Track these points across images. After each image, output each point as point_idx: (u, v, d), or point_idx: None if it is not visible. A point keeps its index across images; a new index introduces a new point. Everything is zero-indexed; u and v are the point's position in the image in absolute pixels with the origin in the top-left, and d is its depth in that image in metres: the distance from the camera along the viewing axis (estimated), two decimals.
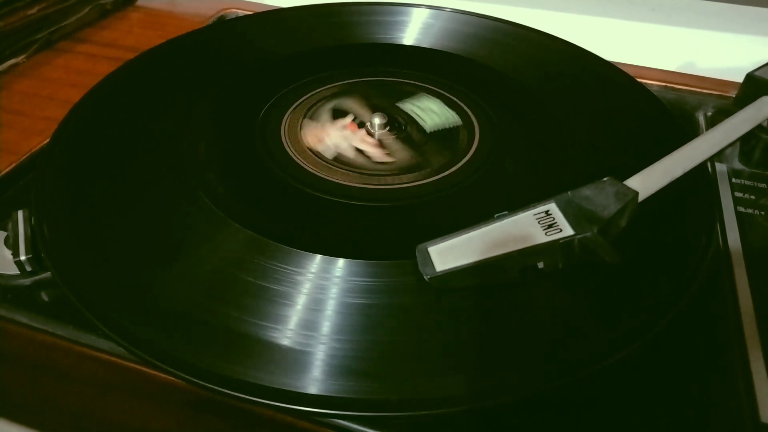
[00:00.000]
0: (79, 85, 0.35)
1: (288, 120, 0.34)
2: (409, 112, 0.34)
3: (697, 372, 0.23)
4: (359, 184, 0.29)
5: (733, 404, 0.22)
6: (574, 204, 0.24)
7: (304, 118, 0.34)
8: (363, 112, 0.34)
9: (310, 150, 0.31)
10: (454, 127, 0.33)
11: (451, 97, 0.36)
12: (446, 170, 0.30)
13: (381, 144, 0.32)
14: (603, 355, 0.21)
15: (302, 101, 0.35)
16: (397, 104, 0.35)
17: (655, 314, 0.23)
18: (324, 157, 0.31)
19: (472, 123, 0.34)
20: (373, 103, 0.35)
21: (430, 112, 0.33)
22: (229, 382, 0.21)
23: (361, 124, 0.33)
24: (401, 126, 0.33)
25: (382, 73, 0.38)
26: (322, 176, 0.29)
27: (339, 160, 0.31)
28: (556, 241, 0.23)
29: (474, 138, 0.32)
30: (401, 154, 0.32)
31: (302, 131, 0.33)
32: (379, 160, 0.31)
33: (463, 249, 0.23)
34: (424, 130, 0.33)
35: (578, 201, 0.24)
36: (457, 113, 0.35)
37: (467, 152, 0.31)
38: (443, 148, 0.32)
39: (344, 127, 0.33)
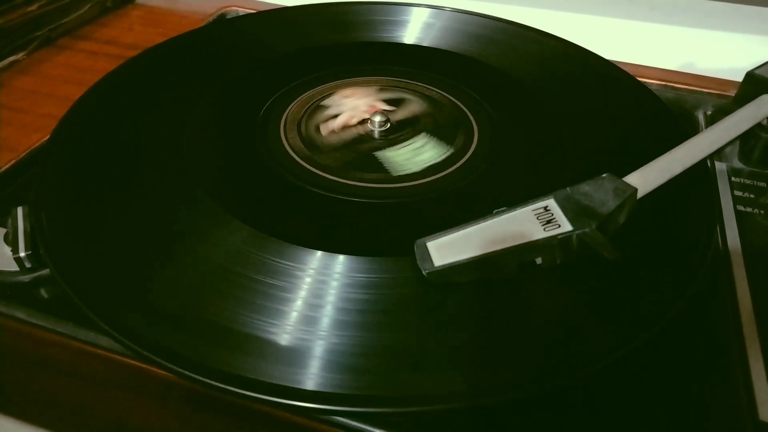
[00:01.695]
0: (79, 82, 0.35)
1: (288, 118, 0.34)
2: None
3: (697, 371, 0.23)
4: (360, 183, 0.29)
5: (732, 403, 0.22)
6: (572, 200, 0.24)
7: (303, 117, 0.34)
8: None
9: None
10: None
11: (450, 96, 0.36)
12: (447, 168, 0.30)
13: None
14: (602, 354, 0.21)
15: (301, 99, 0.35)
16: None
17: (655, 313, 0.23)
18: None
19: (471, 121, 0.34)
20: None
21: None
22: (229, 378, 0.21)
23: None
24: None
25: (382, 71, 0.38)
26: (323, 174, 0.29)
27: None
28: (554, 237, 0.23)
29: (474, 136, 0.32)
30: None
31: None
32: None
33: (462, 244, 0.23)
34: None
35: (577, 197, 0.24)
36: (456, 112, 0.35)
37: (467, 150, 0.31)
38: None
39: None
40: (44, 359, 0.24)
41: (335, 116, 0.34)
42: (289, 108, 0.34)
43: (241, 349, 0.21)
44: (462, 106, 0.35)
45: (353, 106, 0.34)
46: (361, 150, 0.32)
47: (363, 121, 0.33)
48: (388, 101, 0.35)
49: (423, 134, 0.32)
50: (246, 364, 0.21)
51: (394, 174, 0.30)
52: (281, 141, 0.32)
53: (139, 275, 0.24)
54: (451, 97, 0.36)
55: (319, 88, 0.36)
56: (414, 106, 0.34)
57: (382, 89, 0.36)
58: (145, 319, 0.22)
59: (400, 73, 0.38)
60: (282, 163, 0.30)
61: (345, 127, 0.33)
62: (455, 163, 0.30)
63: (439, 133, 0.32)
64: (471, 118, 0.34)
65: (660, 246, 0.26)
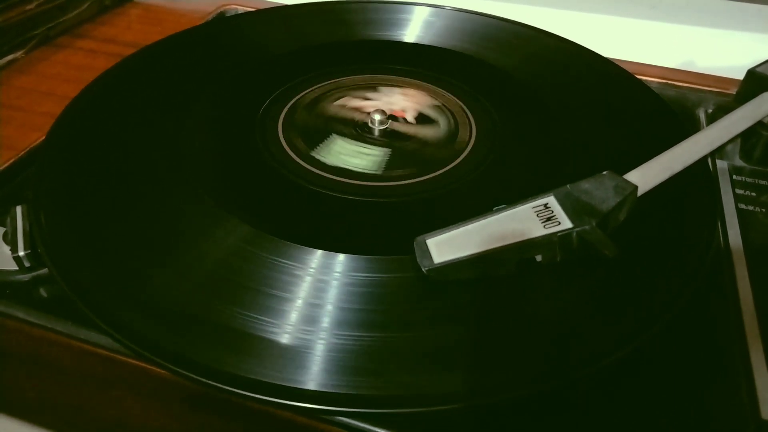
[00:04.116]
0: (78, 80, 0.35)
1: (286, 116, 0.34)
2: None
3: (698, 370, 0.23)
4: (360, 181, 0.29)
5: (734, 402, 0.22)
6: (572, 197, 0.24)
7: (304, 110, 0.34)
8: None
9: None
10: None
11: (451, 95, 0.36)
12: (447, 166, 0.30)
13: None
14: (602, 354, 0.21)
15: (301, 97, 0.35)
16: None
17: (656, 312, 0.23)
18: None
19: (471, 120, 0.33)
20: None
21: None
22: (229, 378, 0.20)
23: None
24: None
25: (382, 70, 0.38)
26: (323, 173, 0.29)
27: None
28: (554, 234, 0.23)
29: (474, 134, 0.32)
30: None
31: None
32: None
33: (462, 241, 0.23)
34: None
35: (577, 194, 0.24)
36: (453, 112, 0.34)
37: (467, 148, 0.31)
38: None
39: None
40: (43, 359, 0.24)
41: (368, 99, 0.34)
42: (288, 106, 0.34)
43: (242, 349, 0.21)
44: (461, 103, 0.35)
45: (391, 101, 0.34)
46: (329, 126, 0.33)
47: (370, 113, 0.33)
48: (422, 116, 0.34)
49: (386, 150, 0.31)
50: (246, 364, 0.21)
51: (309, 152, 0.31)
52: (280, 140, 0.32)
53: (138, 274, 0.24)
54: (451, 96, 0.35)
55: (391, 77, 0.37)
56: (428, 132, 0.33)
57: (437, 106, 0.35)
58: (144, 318, 0.22)
59: (400, 72, 0.38)
60: (282, 162, 0.30)
61: (356, 108, 0.34)
62: (456, 161, 0.30)
63: (396, 159, 0.31)
64: (470, 116, 0.34)
65: (661, 244, 0.26)
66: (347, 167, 0.30)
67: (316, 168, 0.30)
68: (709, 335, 0.24)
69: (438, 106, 0.34)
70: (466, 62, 0.39)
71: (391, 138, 0.32)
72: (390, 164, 0.30)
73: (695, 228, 0.26)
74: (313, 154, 0.30)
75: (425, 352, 0.21)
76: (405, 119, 0.33)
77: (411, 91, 0.35)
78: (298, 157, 0.30)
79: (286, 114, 0.34)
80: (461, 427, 0.21)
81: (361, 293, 0.23)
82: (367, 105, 0.34)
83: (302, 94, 0.35)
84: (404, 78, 0.37)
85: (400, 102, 0.34)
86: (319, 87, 0.36)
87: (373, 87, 0.36)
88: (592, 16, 0.53)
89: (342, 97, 0.34)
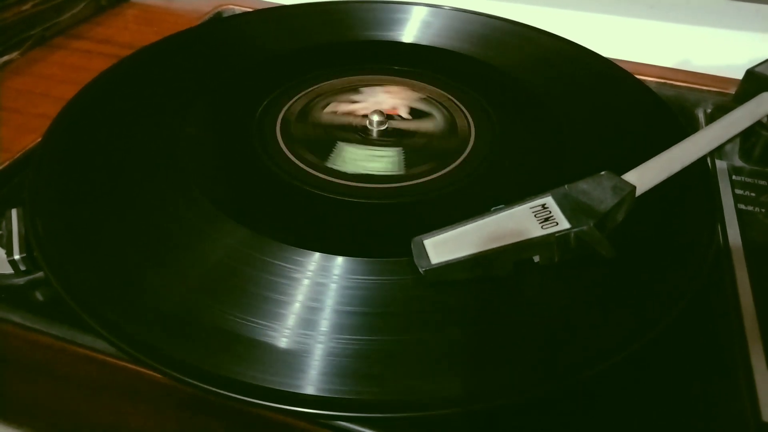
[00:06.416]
0: (74, 81, 0.35)
1: (284, 117, 0.33)
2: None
3: (698, 371, 0.23)
4: (357, 183, 0.29)
5: (735, 403, 0.22)
6: (570, 198, 0.24)
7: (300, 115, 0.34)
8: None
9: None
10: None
11: (449, 95, 0.36)
12: (445, 168, 0.30)
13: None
14: (601, 357, 0.21)
15: (299, 98, 0.35)
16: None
17: (656, 314, 0.23)
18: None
19: (470, 120, 0.33)
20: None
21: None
22: (226, 382, 0.20)
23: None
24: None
25: (380, 70, 0.38)
26: (320, 175, 0.29)
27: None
28: (552, 235, 0.23)
29: (472, 135, 0.32)
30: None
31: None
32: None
33: (459, 242, 0.23)
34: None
35: (575, 195, 0.24)
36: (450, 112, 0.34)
37: (465, 149, 0.31)
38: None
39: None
40: (39, 363, 0.24)
41: (355, 102, 0.34)
42: (286, 107, 0.34)
43: (239, 353, 0.21)
44: (460, 104, 0.35)
45: (379, 101, 0.34)
46: (332, 135, 0.32)
47: (365, 116, 0.33)
48: (414, 110, 0.34)
49: (398, 149, 0.31)
50: (244, 368, 0.21)
51: (325, 164, 0.30)
52: (278, 141, 0.31)
53: (134, 278, 0.24)
54: (449, 96, 0.35)
55: (369, 77, 0.36)
56: (428, 125, 0.33)
57: (424, 99, 0.35)
58: (140, 322, 0.22)
59: (399, 72, 0.38)
60: (279, 164, 0.30)
61: (348, 113, 0.33)
62: (454, 163, 0.30)
63: (413, 156, 0.31)
64: (469, 116, 0.34)
65: (660, 245, 0.26)
66: (369, 172, 0.29)
67: (313, 170, 0.29)
68: (710, 336, 0.24)
69: (425, 99, 0.34)
70: (464, 62, 0.39)
71: (395, 136, 0.32)
72: (408, 162, 0.30)
73: (695, 228, 0.26)
74: (329, 165, 0.30)
75: (423, 355, 0.21)
76: (400, 116, 0.33)
77: (393, 88, 0.35)
78: (295, 158, 0.30)
79: (283, 116, 0.33)
80: (462, 430, 0.21)
81: (359, 296, 0.23)
82: (358, 108, 0.34)
83: (290, 103, 0.35)
84: (381, 76, 0.37)
85: (387, 100, 0.34)
86: (303, 95, 0.35)
87: (355, 89, 0.36)
88: (591, 15, 0.53)
89: (328, 104, 0.34)
